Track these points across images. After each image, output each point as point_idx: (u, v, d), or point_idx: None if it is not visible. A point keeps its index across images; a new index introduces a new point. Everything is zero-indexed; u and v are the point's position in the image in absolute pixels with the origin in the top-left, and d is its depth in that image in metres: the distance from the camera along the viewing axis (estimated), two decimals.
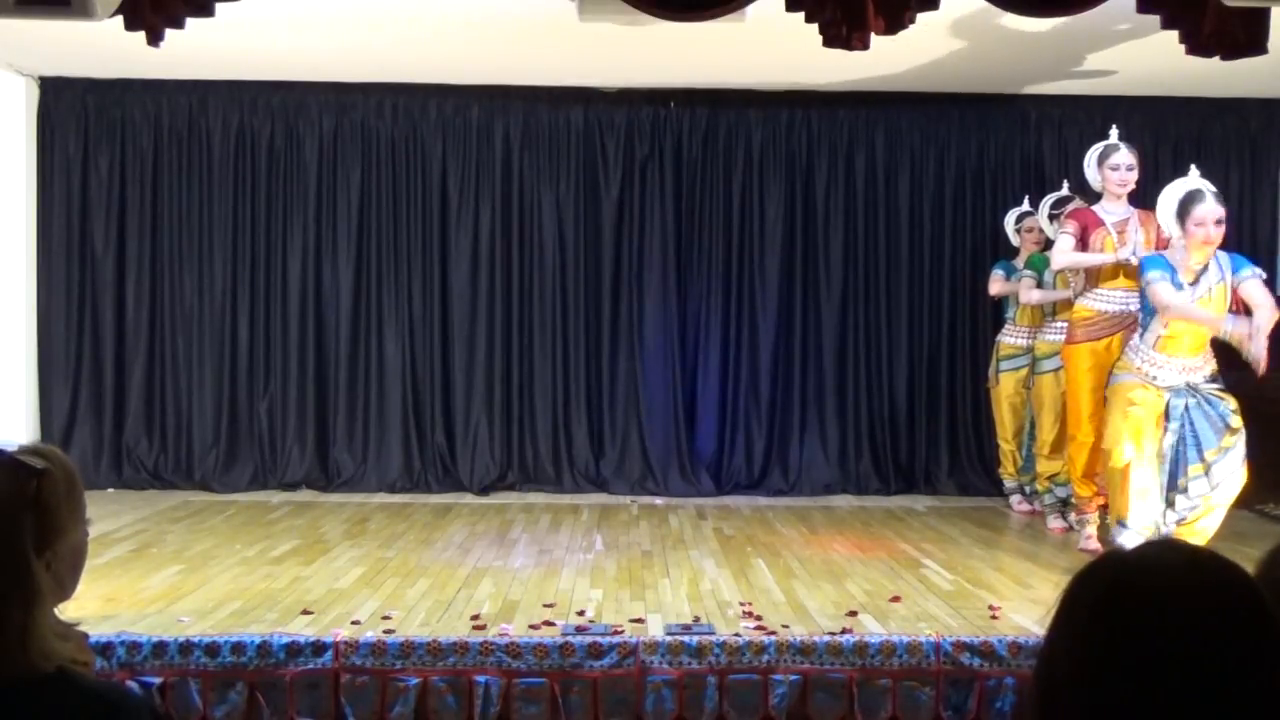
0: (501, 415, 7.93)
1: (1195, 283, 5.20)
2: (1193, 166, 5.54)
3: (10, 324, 7.69)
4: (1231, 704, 1.07)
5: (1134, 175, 6.02)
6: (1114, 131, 6.15)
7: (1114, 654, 1.09)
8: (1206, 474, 5.17)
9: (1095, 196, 6.22)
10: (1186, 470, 5.19)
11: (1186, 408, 5.22)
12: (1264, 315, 5.06)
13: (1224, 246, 8.23)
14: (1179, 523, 5.24)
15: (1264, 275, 5.30)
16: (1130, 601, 1.12)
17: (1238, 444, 5.19)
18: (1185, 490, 5.19)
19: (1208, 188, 5.22)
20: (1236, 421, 5.19)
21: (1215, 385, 5.31)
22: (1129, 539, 5.15)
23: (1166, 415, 5.23)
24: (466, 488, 7.76)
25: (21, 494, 1.53)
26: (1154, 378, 5.26)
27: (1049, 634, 1.17)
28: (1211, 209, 5.11)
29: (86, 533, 1.67)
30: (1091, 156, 6.15)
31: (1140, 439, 5.20)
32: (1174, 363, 5.25)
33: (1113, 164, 5.99)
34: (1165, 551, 1.17)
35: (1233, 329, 5.07)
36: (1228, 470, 5.18)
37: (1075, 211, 6.27)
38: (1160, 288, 5.18)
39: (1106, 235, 5.95)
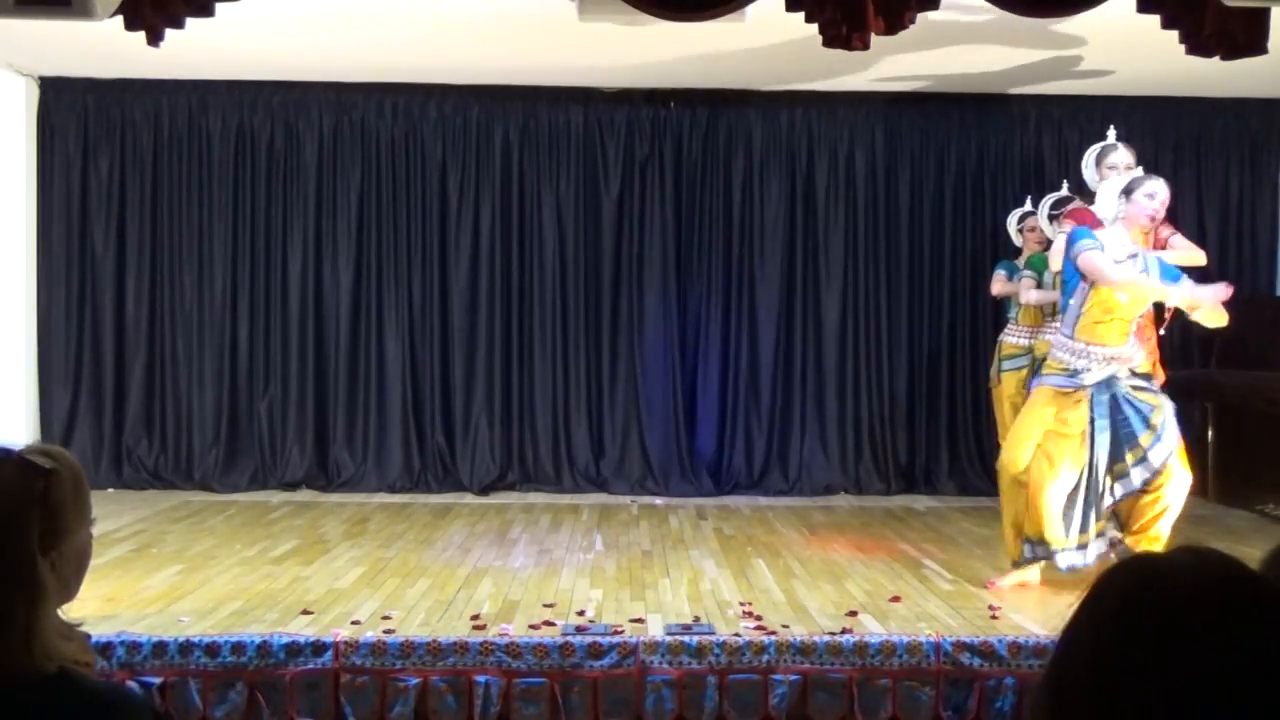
0: (501, 415, 7.93)
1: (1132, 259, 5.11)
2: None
3: (10, 324, 7.69)
4: (1258, 712, 1.06)
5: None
6: (1111, 132, 6.13)
7: (1139, 661, 1.08)
8: (1144, 459, 5.01)
9: (1094, 197, 6.21)
10: (1124, 457, 5.03)
11: (1112, 399, 5.04)
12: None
13: (1224, 247, 8.28)
14: (1130, 530, 5.10)
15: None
16: (1158, 608, 1.10)
17: (1163, 439, 5.02)
18: (1124, 477, 5.03)
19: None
20: (1157, 419, 5.04)
21: (1143, 384, 5.11)
22: (1061, 560, 5.03)
23: (1091, 418, 5.03)
24: (466, 488, 7.76)
25: (29, 493, 1.53)
26: (1081, 372, 5.04)
27: (1065, 637, 1.15)
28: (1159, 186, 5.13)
29: (90, 534, 1.67)
30: (1090, 157, 6.12)
31: (1059, 461, 5.00)
32: (1100, 352, 5.05)
33: (1110, 164, 5.95)
34: (1191, 558, 1.15)
35: (1188, 292, 4.99)
36: (1163, 455, 5.01)
37: (1074, 211, 6.27)
38: (1095, 255, 4.93)
39: None
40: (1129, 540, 5.12)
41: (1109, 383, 5.05)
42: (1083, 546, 5.06)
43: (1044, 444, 5.03)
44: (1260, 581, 1.13)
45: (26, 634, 1.48)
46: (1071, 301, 5.14)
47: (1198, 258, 6.00)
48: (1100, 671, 1.09)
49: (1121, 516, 5.19)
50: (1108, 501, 5.07)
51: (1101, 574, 1.18)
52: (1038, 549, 5.09)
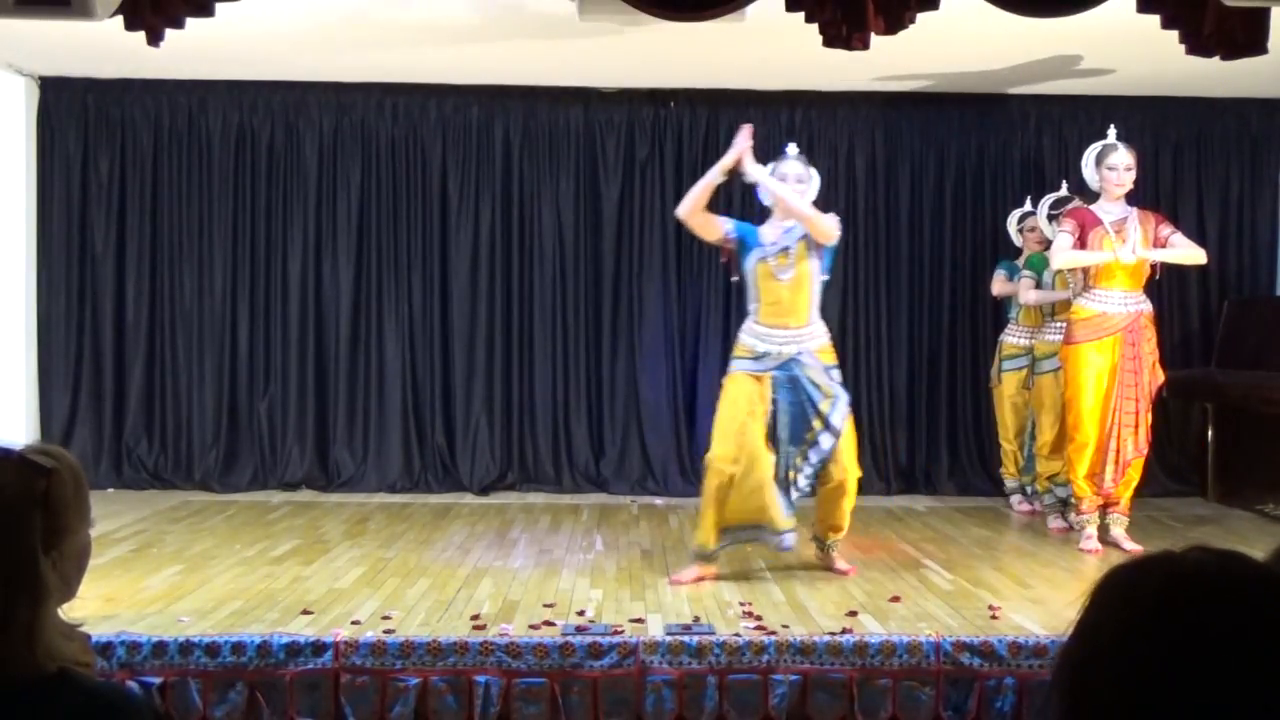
0: (501, 415, 7.93)
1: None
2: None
3: (10, 324, 7.69)
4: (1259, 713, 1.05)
5: (1132, 175, 5.98)
6: (1111, 131, 6.14)
7: (1172, 664, 1.07)
8: (816, 443, 5.11)
9: (1095, 196, 6.22)
10: (804, 438, 5.12)
11: (790, 381, 5.16)
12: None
13: (1224, 247, 8.28)
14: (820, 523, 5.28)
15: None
16: (1189, 604, 1.09)
17: (831, 428, 5.11)
18: (807, 458, 5.11)
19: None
20: (826, 407, 5.13)
21: (826, 371, 5.20)
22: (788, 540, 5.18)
23: (774, 399, 5.16)
24: (466, 488, 7.76)
25: (31, 492, 1.53)
26: (761, 355, 5.20)
27: (1084, 637, 1.13)
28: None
29: (89, 534, 1.67)
30: (1089, 156, 6.12)
31: (739, 439, 5.09)
32: (776, 335, 5.19)
33: (1110, 164, 5.96)
34: (1213, 558, 1.15)
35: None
36: (831, 442, 5.11)
37: (1073, 210, 6.27)
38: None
39: (1105, 234, 5.91)
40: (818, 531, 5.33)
41: (790, 364, 5.18)
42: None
43: (746, 430, 5.11)
44: (1269, 574, 1.12)
45: (29, 633, 1.48)
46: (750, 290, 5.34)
47: (1198, 256, 6.02)
48: (1130, 674, 1.08)
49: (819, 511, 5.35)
50: (800, 484, 5.16)
51: (1124, 568, 1.15)
52: (739, 535, 5.24)
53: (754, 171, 5.23)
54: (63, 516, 1.57)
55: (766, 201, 5.38)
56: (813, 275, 5.23)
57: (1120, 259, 5.84)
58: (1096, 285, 5.95)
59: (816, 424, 5.12)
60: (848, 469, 5.21)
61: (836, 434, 5.13)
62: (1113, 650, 1.10)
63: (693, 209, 5.30)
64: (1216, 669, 1.06)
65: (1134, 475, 5.97)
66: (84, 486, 1.63)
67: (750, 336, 5.28)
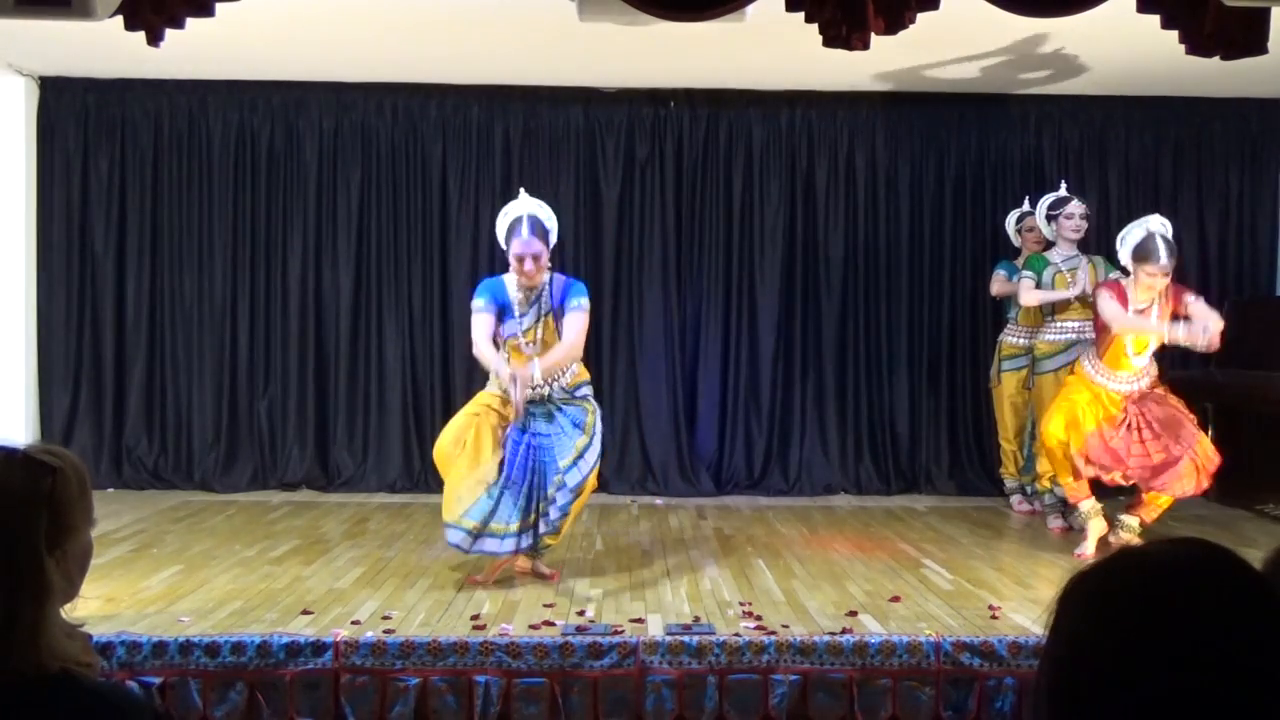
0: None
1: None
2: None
3: (10, 324, 7.69)
4: (1248, 703, 1.06)
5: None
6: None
7: (1143, 654, 1.08)
8: (577, 462, 5.04)
9: (1094, 195, 6.26)
10: (560, 466, 5.04)
11: (549, 416, 5.12)
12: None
13: (1224, 247, 8.28)
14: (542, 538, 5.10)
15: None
16: (1155, 597, 1.11)
17: (590, 448, 5.09)
18: (561, 488, 5.01)
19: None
20: (587, 419, 5.13)
21: (573, 394, 5.20)
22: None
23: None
24: None
25: (36, 490, 1.54)
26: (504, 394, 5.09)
27: (1063, 636, 1.15)
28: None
29: (90, 535, 1.67)
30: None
31: (477, 461, 5.05)
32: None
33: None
34: (1175, 547, 1.17)
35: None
36: (594, 460, 5.10)
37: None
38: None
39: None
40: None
41: (543, 402, 5.14)
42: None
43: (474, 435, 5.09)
44: (1240, 562, 1.14)
45: (33, 631, 1.49)
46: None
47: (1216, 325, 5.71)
48: (1109, 671, 1.10)
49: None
50: (552, 511, 5.01)
51: (1094, 567, 1.18)
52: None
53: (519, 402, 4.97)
54: (67, 515, 1.57)
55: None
56: (558, 337, 5.16)
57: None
58: (1103, 362, 5.89)
59: (580, 441, 5.08)
60: (592, 480, 5.15)
61: (599, 450, 5.13)
62: (1091, 651, 1.12)
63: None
64: (1190, 655, 1.07)
65: (1162, 501, 5.84)
66: (88, 486, 1.64)
67: (497, 381, 5.18)
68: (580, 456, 5.06)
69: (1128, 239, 5.81)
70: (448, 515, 5.00)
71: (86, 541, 1.64)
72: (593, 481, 5.18)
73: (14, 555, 1.50)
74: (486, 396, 5.29)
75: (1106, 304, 5.78)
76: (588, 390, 5.32)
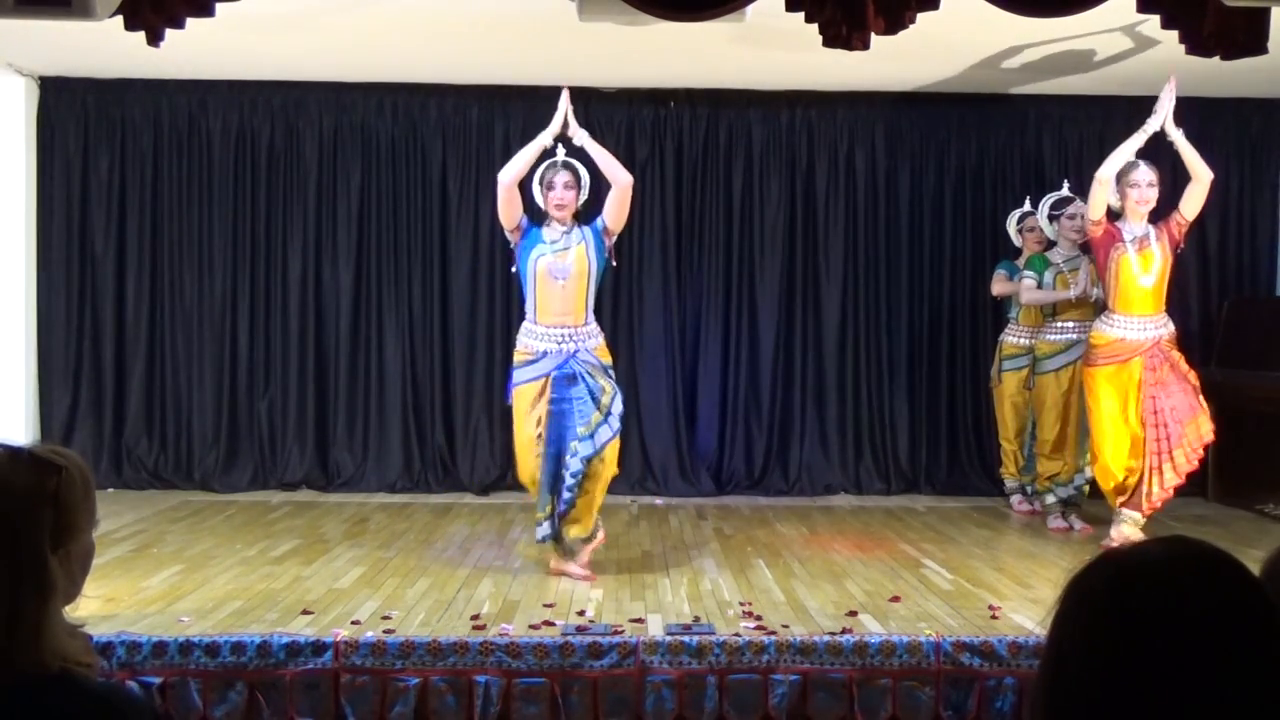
0: (501, 415, 7.90)
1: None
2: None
3: (10, 324, 7.69)
4: (1237, 699, 1.07)
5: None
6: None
7: (1130, 653, 1.10)
8: (591, 437, 5.15)
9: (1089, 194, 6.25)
10: (578, 433, 5.17)
11: (568, 379, 5.25)
12: None
13: (1224, 247, 8.27)
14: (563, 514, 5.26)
15: None
16: (1138, 596, 1.12)
17: (609, 423, 5.18)
18: (573, 455, 5.16)
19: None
20: (606, 400, 5.20)
21: (604, 369, 5.32)
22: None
23: (552, 398, 5.25)
24: (466, 488, 7.76)
25: (42, 490, 1.54)
26: (540, 356, 5.30)
27: (1055, 637, 1.16)
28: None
29: (92, 536, 1.68)
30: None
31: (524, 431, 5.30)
32: (553, 333, 5.31)
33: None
34: (1162, 547, 1.18)
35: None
36: (606, 437, 5.17)
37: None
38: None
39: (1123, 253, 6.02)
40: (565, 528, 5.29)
41: (569, 361, 5.28)
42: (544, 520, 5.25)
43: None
44: (1230, 560, 1.15)
45: (36, 629, 1.49)
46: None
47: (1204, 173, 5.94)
48: (1098, 666, 1.11)
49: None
50: (568, 481, 5.18)
51: (1081, 572, 1.19)
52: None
53: (578, 134, 5.41)
54: (72, 515, 1.57)
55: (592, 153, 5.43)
56: (590, 276, 5.36)
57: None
58: (1115, 311, 5.91)
59: (595, 417, 5.18)
60: (608, 463, 5.24)
61: (614, 429, 5.20)
62: (1079, 652, 1.13)
63: (518, 175, 5.37)
64: (1173, 651, 1.09)
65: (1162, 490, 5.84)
66: (92, 487, 1.64)
67: (528, 337, 5.38)
68: (594, 431, 5.15)
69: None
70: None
71: (89, 542, 1.64)
72: (609, 466, 5.24)
73: (18, 553, 1.50)
74: (521, 397, 5.33)
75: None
76: (610, 372, 5.39)
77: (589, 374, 5.25)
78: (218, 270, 7.86)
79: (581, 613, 4.62)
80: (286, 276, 7.91)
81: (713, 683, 4.10)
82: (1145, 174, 5.90)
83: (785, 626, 4.39)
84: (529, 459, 5.32)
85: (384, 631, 4.24)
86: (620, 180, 5.39)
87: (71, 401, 7.86)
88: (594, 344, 5.36)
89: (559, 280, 5.30)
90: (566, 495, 5.16)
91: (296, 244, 7.90)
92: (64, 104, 7.86)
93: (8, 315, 7.68)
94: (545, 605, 4.74)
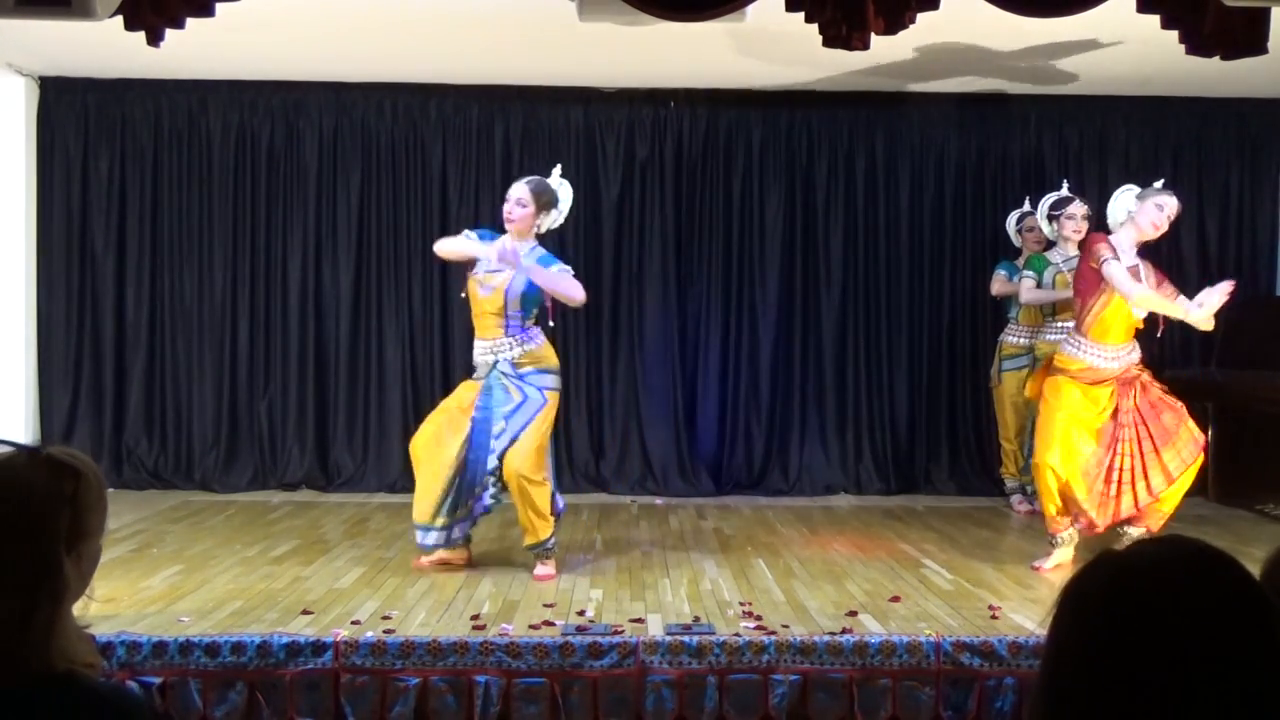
0: None
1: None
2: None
3: (10, 324, 7.69)
4: (1234, 696, 1.07)
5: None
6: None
7: (1126, 652, 1.10)
8: (499, 435, 5.22)
9: (1094, 195, 6.26)
10: (497, 434, 5.23)
11: (489, 390, 5.30)
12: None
13: (1224, 247, 8.27)
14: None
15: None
16: (1134, 596, 1.12)
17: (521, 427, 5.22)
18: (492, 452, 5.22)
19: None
20: (513, 408, 5.25)
21: (517, 375, 5.33)
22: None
23: (478, 405, 5.32)
24: None
25: (60, 492, 1.55)
26: (475, 368, 5.43)
27: (1054, 639, 1.17)
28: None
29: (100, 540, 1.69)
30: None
31: (439, 447, 5.30)
32: (481, 345, 5.40)
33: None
34: (1155, 547, 1.18)
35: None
36: (509, 440, 5.22)
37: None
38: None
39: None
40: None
41: (493, 371, 5.35)
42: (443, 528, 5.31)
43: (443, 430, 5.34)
44: (1227, 559, 1.15)
45: (49, 630, 1.50)
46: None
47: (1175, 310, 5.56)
48: (1095, 667, 1.11)
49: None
50: (484, 480, 5.24)
51: (1080, 572, 1.20)
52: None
53: (521, 265, 5.28)
54: (87, 518, 1.59)
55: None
56: (505, 300, 5.32)
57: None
58: (1087, 337, 5.50)
59: (499, 425, 5.23)
60: (519, 471, 5.19)
61: (512, 437, 5.21)
62: (1078, 652, 1.14)
63: (447, 257, 5.57)
64: (1172, 652, 1.09)
65: (1165, 507, 5.57)
66: (104, 491, 1.66)
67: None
68: (505, 430, 5.20)
69: (1120, 197, 5.63)
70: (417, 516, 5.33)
71: (98, 546, 1.66)
72: (532, 468, 5.18)
73: (36, 555, 1.51)
74: (464, 391, 5.45)
75: (1116, 271, 5.25)
76: (540, 377, 5.35)
77: (507, 385, 5.30)
78: (218, 270, 7.86)
79: (581, 613, 4.62)
80: (286, 276, 7.91)
81: (713, 683, 4.10)
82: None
83: (785, 626, 4.39)
84: (442, 449, 5.31)
85: (384, 631, 4.24)
86: (574, 300, 5.45)
87: (71, 401, 7.86)
88: (513, 355, 5.35)
89: (483, 294, 5.38)
90: (490, 493, 5.24)
91: (296, 244, 7.90)
92: (64, 104, 7.86)
93: (8, 315, 7.68)
94: (545, 605, 4.74)
